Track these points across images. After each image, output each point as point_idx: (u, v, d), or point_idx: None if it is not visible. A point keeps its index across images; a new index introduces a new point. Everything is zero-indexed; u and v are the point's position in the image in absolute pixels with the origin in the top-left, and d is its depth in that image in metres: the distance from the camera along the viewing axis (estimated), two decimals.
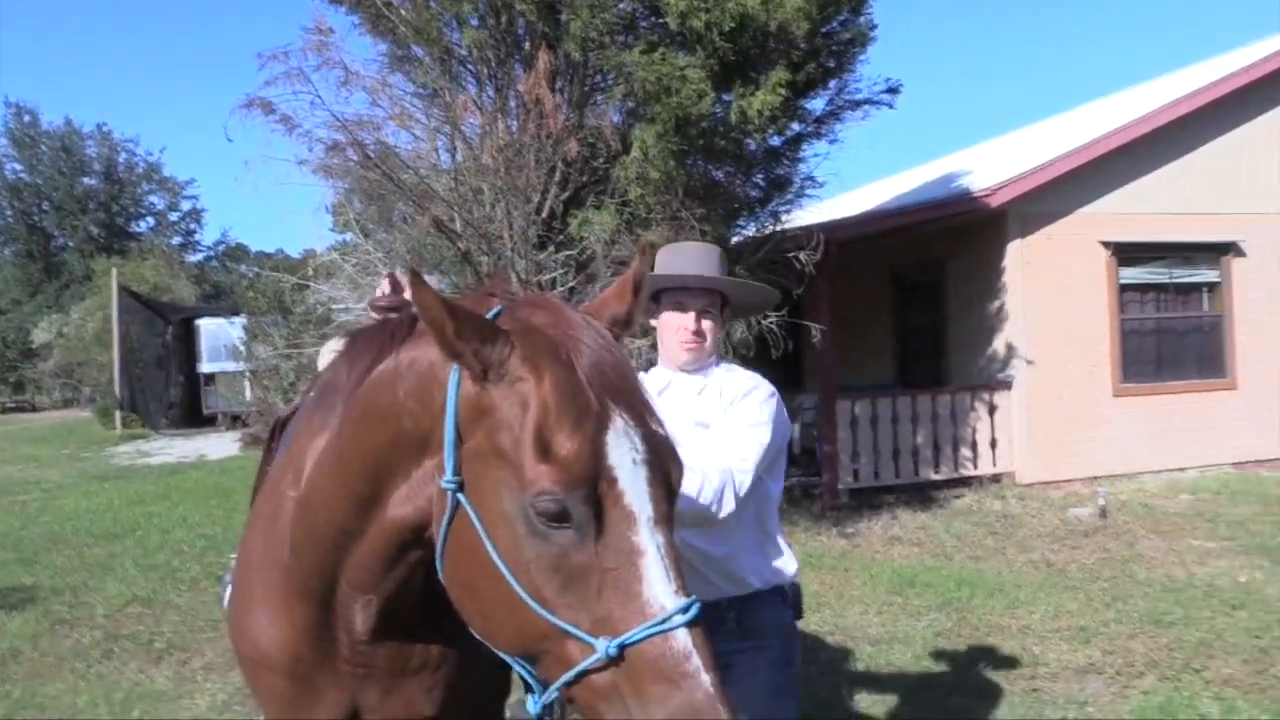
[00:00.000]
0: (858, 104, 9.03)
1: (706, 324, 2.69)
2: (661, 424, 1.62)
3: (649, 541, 1.49)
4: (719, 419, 2.62)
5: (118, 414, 25.70)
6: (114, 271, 28.03)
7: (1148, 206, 12.07)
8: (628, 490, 1.51)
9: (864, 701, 5.24)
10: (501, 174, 7.13)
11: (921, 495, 11.14)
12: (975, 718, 4.97)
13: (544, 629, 1.53)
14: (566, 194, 7.69)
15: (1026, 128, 18.06)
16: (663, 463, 1.57)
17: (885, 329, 14.33)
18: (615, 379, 1.56)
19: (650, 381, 2.72)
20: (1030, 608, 6.86)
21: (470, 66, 7.32)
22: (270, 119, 7.05)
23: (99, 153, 46.31)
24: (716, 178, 7.74)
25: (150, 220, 49.04)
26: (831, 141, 9.08)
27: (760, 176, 8.93)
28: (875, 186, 18.24)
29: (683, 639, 1.44)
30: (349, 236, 9.70)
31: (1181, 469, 12.13)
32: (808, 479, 11.98)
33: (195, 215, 49.53)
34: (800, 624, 6.30)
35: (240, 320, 23.85)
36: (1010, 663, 5.77)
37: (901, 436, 11.31)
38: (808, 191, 9.21)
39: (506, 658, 1.68)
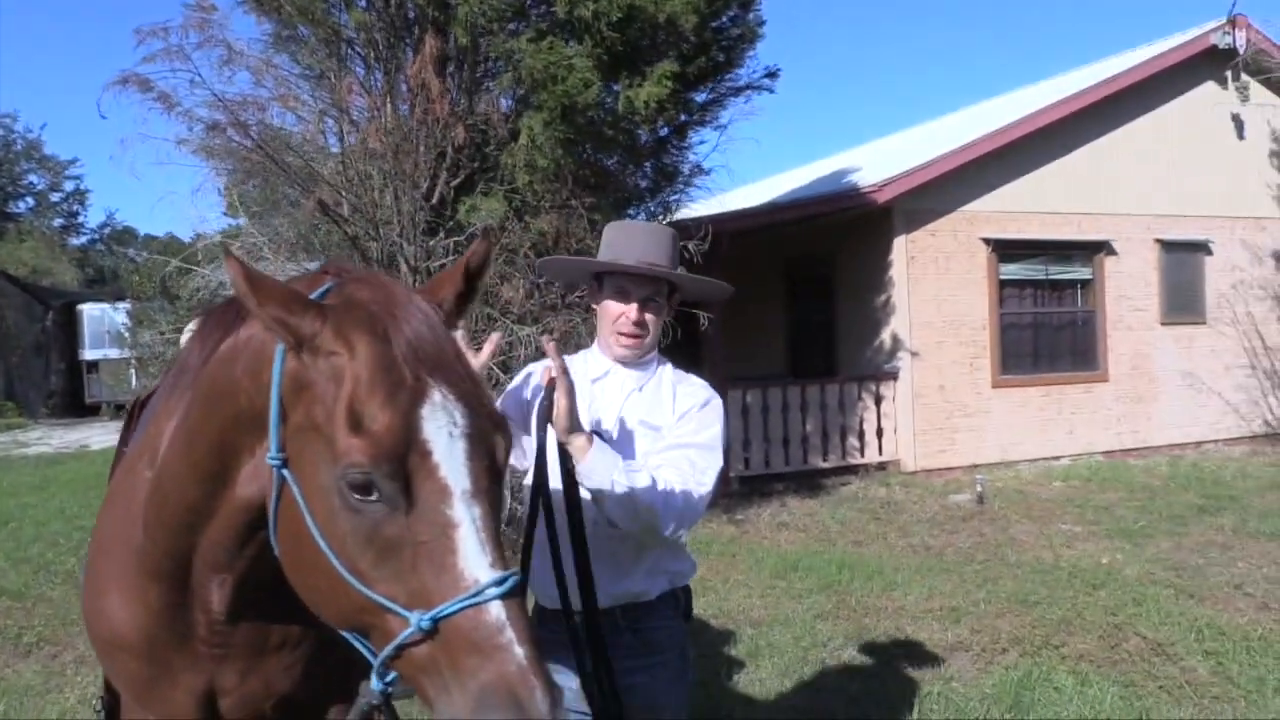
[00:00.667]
0: (739, 90, 9.15)
1: (649, 316, 2.48)
2: (488, 400, 1.63)
3: (464, 514, 1.49)
4: (670, 424, 2.46)
5: None
6: None
7: (1026, 205, 12.56)
8: (443, 463, 1.51)
9: (741, 681, 5.37)
10: (389, 159, 7.05)
11: (811, 483, 11.39)
12: (846, 692, 5.14)
13: (362, 602, 1.54)
14: (458, 180, 7.63)
15: (915, 127, 18.57)
16: (486, 437, 1.57)
17: (778, 320, 14.61)
18: (435, 354, 1.56)
19: (587, 366, 2.58)
20: (906, 590, 7.10)
21: (358, 49, 7.21)
22: (148, 96, 6.84)
23: None
24: (607, 166, 7.78)
25: (30, 201, 46.83)
26: (717, 129, 9.22)
27: (649, 166, 9.01)
28: (772, 181, 18.53)
29: (495, 611, 1.45)
30: (242, 220, 9.46)
31: (1056, 457, 12.68)
32: None
33: (79, 196, 47.55)
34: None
35: (125, 306, 23.01)
36: (884, 641, 5.98)
37: (792, 425, 11.55)
38: (695, 181, 9.34)
39: (343, 633, 1.70)
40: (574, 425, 2.18)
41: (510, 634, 1.44)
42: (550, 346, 2.24)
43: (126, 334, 21.94)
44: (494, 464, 1.59)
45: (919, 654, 5.73)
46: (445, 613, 1.46)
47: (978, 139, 12.16)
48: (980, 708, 4.91)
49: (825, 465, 11.73)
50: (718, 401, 2.53)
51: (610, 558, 2.35)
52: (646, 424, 2.46)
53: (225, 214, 9.95)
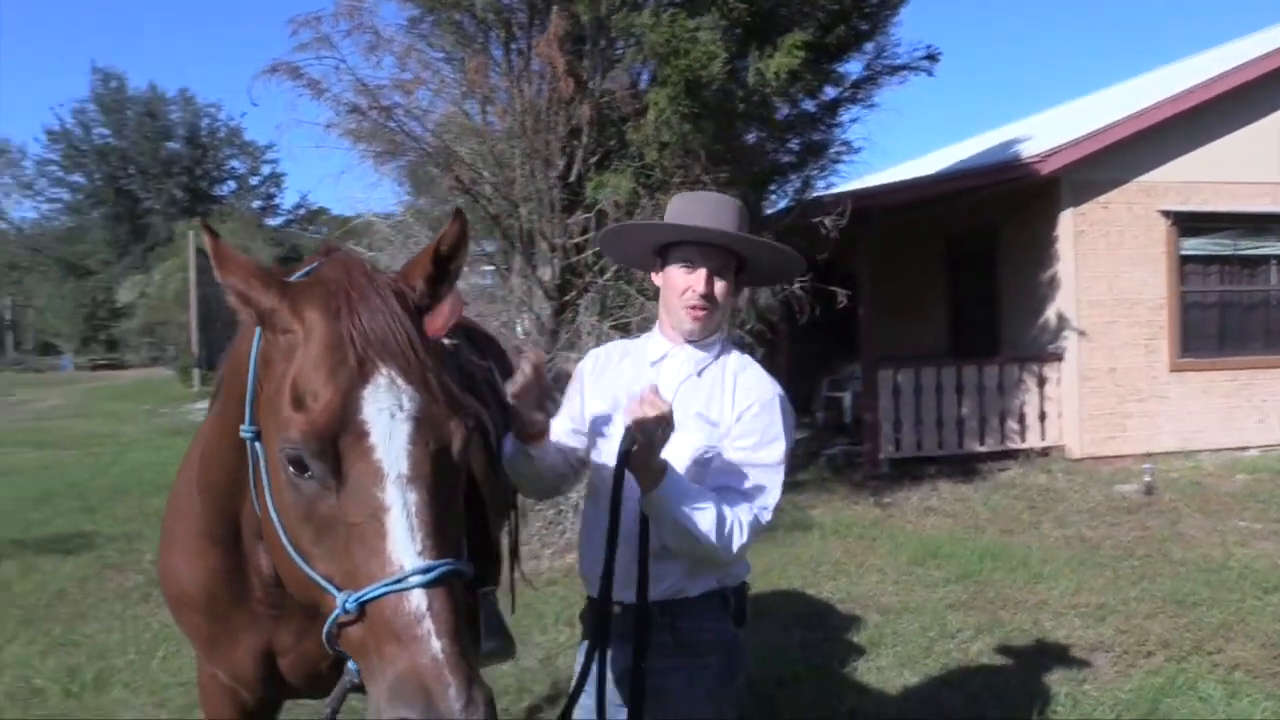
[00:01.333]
0: (895, 69, 8.83)
1: (719, 287, 2.32)
2: (444, 385, 1.59)
3: (396, 499, 1.48)
4: (728, 421, 2.29)
5: (195, 372, 26.59)
6: (191, 234, 28.87)
7: (1212, 175, 11.59)
8: (379, 446, 1.50)
9: (860, 668, 5.21)
10: (524, 138, 7.16)
11: (965, 467, 10.95)
12: (967, 688, 4.92)
13: (305, 578, 1.56)
14: (595, 158, 7.67)
15: (1087, 96, 17.45)
16: (437, 423, 1.55)
17: (938, 298, 14.06)
18: (386, 337, 1.55)
19: (645, 349, 2.46)
20: (1052, 583, 6.73)
21: (493, 30, 7.32)
22: (298, 84, 7.18)
23: (183, 118, 47.50)
24: (744, 141, 7.63)
25: (232, 184, 50.20)
26: (868, 107, 8.91)
27: (795, 141, 8.81)
28: (932, 157, 17.84)
29: (416, 600, 1.42)
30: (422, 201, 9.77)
31: (1243, 448, 11.72)
32: (853, 448, 11.88)
33: (275, 179, 50.55)
34: (812, 592, 6.33)
35: None
36: (1017, 636, 5.68)
37: (946, 407, 11.13)
38: (844, 157, 9.07)
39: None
40: (655, 459, 2.08)
41: (429, 625, 1.41)
42: (529, 358, 2.17)
43: None
44: (443, 450, 1.56)
45: (1053, 652, 5.42)
46: (367, 596, 1.45)
47: (1158, 103, 11.30)
48: (1111, 713, 4.60)
49: (981, 449, 11.24)
50: (780, 400, 2.33)
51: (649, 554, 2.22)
52: (704, 417, 2.29)
53: (409, 194, 10.14)
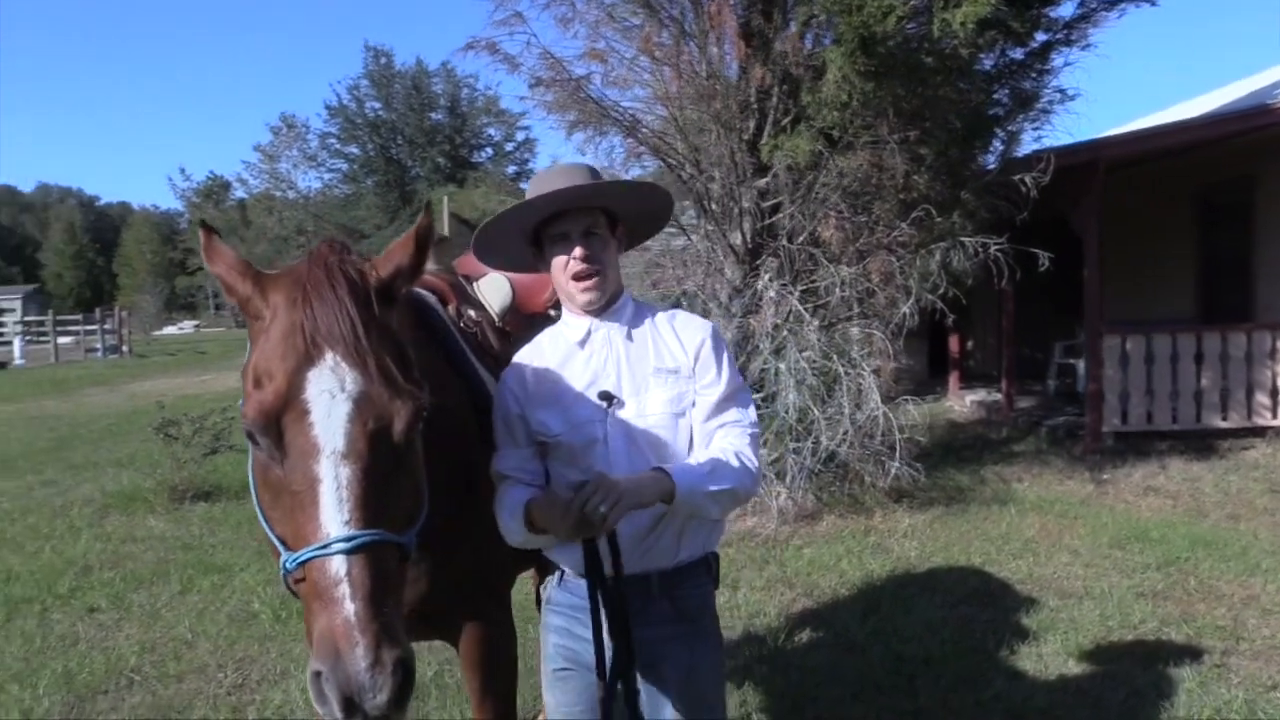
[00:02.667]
0: (1112, 2, 8.04)
1: (597, 245, 2.30)
2: (388, 370, 1.70)
3: (329, 471, 1.61)
4: (687, 365, 2.30)
5: None
6: (445, 199, 30.73)
7: None
8: (318, 423, 1.63)
9: (1019, 654, 4.94)
10: (704, 103, 7.15)
11: (1201, 444, 10.01)
12: (1131, 683, 4.56)
13: (269, 538, 1.74)
14: (787, 120, 7.54)
15: None
16: (378, 404, 1.67)
17: (1184, 258, 12.80)
18: (334, 325, 1.68)
19: (565, 334, 2.41)
20: (1270, 578, 6.08)
21: None
22: (495, 59, 7.51)
23: (444, 89, 50.45)
24: (938, 96, 7.23)
25: (489, 151, 52.88)
26: (1084, 48, 8.19)
27: (1002, 92, 8.27)
28: (1173, 109, 16.13)
29: (336, 565, 1.55)
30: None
31: None
32: (1077, 419, 11.13)
33: (529, 145, 52.80)
34: (992, 570, 6.07)
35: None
36: (1208, 633, 5.20)
37: (1182, 377, 10.18)
38: (1056, 106, 8.40)
39: None
40: (642, 495, 2.08)
41: (346, 588, 1.53)
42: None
43: None
44: (383, 429, 1.67)
45: (1245, 653, 4.92)
46: (300, 559, 1.59)
47: None
48: None
49: (1223, 425, 10.22)
50: (715, 326, 2.44)
51: (643, 525, 2.24)
52: (662, 369, 2.29)
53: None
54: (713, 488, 2.15)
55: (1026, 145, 8.88)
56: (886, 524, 7.53)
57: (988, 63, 8.09)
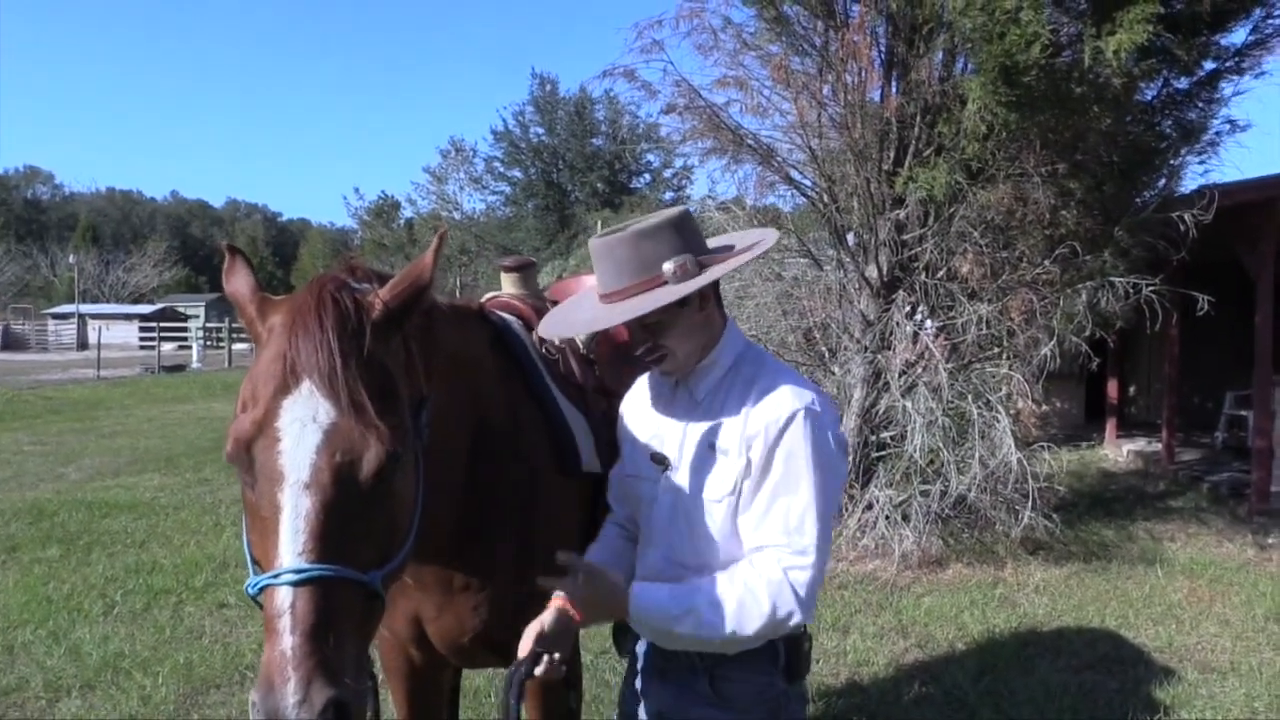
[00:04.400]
0: None
1: (655, 332, 2.00)
2: (361, 405, 1.65)
3: (291, 501, 1.59)
4: (738, 448, 1.96)
5: None
6: (599, 222, 31.22)
7: None
8: (287, 452, 1.61)
9: None
10: (845, 131, 6.99)
11: None
12: None
13: (247, 559, 1.73)
14: (928, 151, 7.31)
15: None
16: (349, 438, 1.63)
17: None
18: (316, 355, 1.66)
19: (645, 388, 2.25)
20: None
21: (801, 25, 7.19)
22: (633, 86, 7.57)
23: (605, 116, 51.38)
24: (1099, 128, 6.85)
25: (646, 177, 53.50)
26: (1257, 76, 7.61)
27: (1166, 123, 7.77)
28: None
29: (280, 597, 1.52)
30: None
31: None
32: (1243, 475, 10.32)
33: (686, 172, 53.09)
34: (1127, 635, 5.66)
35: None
36: None
37: None
38: (1225, 139, 7.84)
39: None
40: (598, 610, 1.96)
41: (287, 621, 1.51)
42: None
43: None
44: (352, 463, 1.63)
45: None
46: (254, 586, 1.59)
47: None
48: None
49: None
50: (807, 415, 1.92)
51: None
52: (716, 448, 1.99)
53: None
54: (680, 630, 1.88)
55: (1191, 180, 8.34)
56: (1017, 577, 7.13)
57: (1149, 93, 7.63)
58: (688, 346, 2.02)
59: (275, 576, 1.55)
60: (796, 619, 1.87)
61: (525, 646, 1.97)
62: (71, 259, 66.82)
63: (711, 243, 2.12)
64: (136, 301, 64.76)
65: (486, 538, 2.41)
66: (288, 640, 1.50)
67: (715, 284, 2.05)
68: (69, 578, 6.86)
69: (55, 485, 10.56)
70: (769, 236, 2.12)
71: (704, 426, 2.03)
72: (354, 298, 1.77)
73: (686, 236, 1.98)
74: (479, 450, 2.37)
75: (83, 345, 50.79)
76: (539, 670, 1.96)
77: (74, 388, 24.69)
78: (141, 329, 49.29)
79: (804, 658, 2.07)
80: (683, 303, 1.96)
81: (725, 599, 1.87)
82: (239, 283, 1.87)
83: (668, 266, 1.93)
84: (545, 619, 2.01)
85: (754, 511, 1.94)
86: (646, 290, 1.94)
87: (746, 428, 1.95)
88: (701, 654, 2.00)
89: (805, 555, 1.88)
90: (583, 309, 2.15)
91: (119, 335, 49.50)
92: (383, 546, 1.71)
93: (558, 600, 2.01)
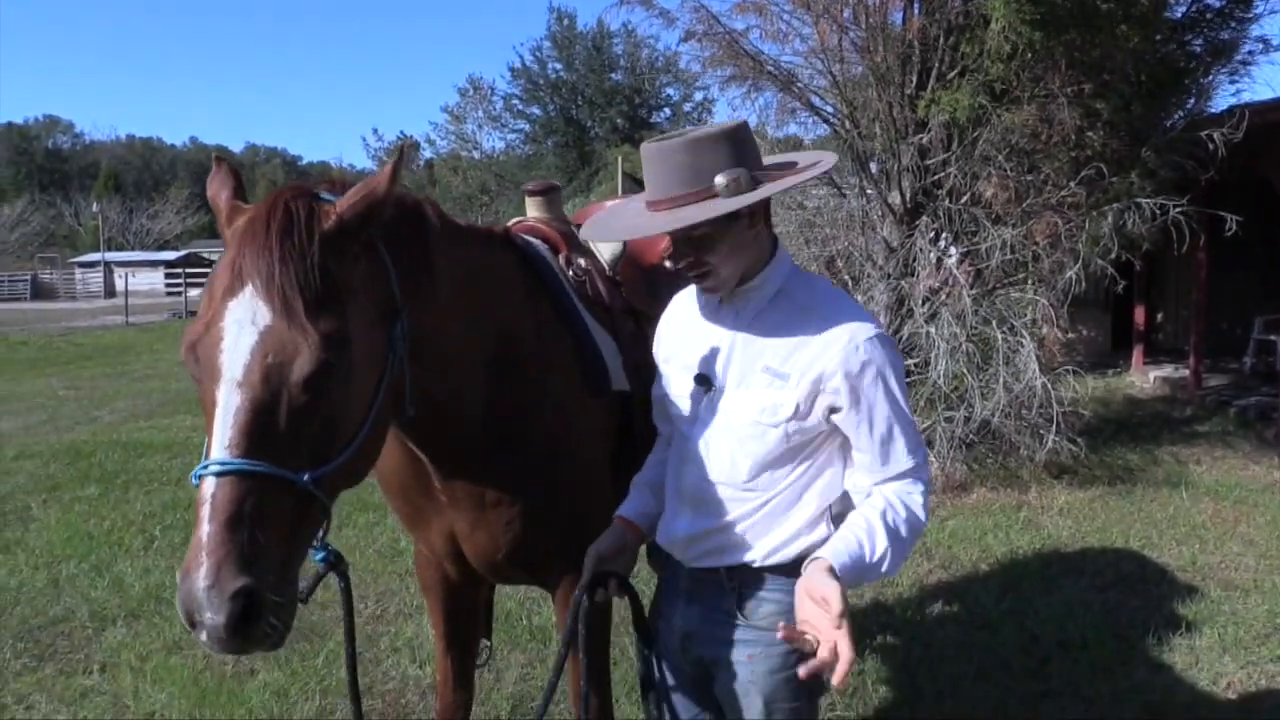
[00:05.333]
0: None
1: (700, 247, 1.94)
2: (290, 312, 1.69)
3: (225, 397, 1.66)
4: (802, 375, 1.91)
5: None
6: (620, 159, 30.98)
7: None
8: (227, 351, 1.69)
9: (1167, 644, 4.62)
10: (866, 55, 6.89)
11: None
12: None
13: None
14: (953, 74, 7.19)
15: None
16: (282, 338, 1.69)
17: None
18: (259, 260, 1.72)
19: (687, 305, 2.21)
20: None
21: None
22: (651, 14, 7.47)
23: (624, 49, 50.69)
24: (1126, 46, 6.70)
25: (667, 111, 52.88)
26: None
27: (1197, 42, 7.60)
28: None
29: (205, 487, 1.60)
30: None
31: None
32: (1270, 399, 10.26)
33: (707, 106, 52.44)
34: (1151, 555, 5.70)
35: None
36: None
37: None
38: (1257, 58, 7.67)
39: None
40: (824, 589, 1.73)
41: (207, 510, 1.58)
42: None
43: None
44: (282, 364, 1.68)
45: None
46: (194, 475, 1.66)
47: None
48: None
49: None
50: (880, 342, 1.91)
51: (722, 516, 2.02)
52: (772, 371, 1.94)
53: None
54: (882, 570, 1.85)
55: (1222, 100, 8.18)
56: (1041, 500, 7.17)
57: (1179, 10, 7.47)
58: (732, 264, 1.96)
59: (204, 468, 1.62)
60: (919, 533, 1.92)
61: (586, 570, 2.05)
62: (95, 207, 67.23)
63: (768, 160, 2.02)
64: (161, 248, 65.05)
65: (514, 453, 2.45)
66: (205, 528, 1.57)
67: (766, 203, 2.00)
68: (109, 514, 7.03)
69: (90, 427, 10.76)
70: (827, 158, 2.06)
71: (755, 348, 1.98)
72: (309, 206, 1.81)
73: (743, 150, 1.92)
74: (502, 367, 2.41)
75: (110, 293, 51.32)
76: (599, 597, 2.06)
77: (104, 334, 25.02)
78: (167, 275, 49.60)
79: None
80: (732, 218, 1.89)
81: (898, 527, 1.87)
82: (216, 188, 1.94)
83: (720, 180, 1.85)
84: (603, 542, 2.08)
85: (873, 441, 1.92)
86: (696, 201, 1.88)
87: (817, 358, 1.91)
88: (730, 573, 2.02)
89: (923, 469, 1.95)
90: (626, 215, 2.10)
91: (145, 282, 49.93)
92: (317, 448, 1.73)
93: (618, 520, 2.10)
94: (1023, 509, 6.96)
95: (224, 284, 1.75)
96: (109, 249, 62.65)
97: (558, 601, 2.71)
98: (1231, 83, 7.98)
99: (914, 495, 1.91)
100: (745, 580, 2.02)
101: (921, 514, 1.90)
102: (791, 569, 1.92)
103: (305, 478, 1.68)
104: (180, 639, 4.73)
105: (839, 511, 1.99)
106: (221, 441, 1.64)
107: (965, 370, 7.12)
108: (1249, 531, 6.47)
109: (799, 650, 1.72)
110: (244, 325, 1.70)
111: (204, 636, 1.56)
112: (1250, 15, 7.63)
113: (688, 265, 1.97)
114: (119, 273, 50.94)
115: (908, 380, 7.18)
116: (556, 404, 2.52)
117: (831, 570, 1.73)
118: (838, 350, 1.89)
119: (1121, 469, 8.02)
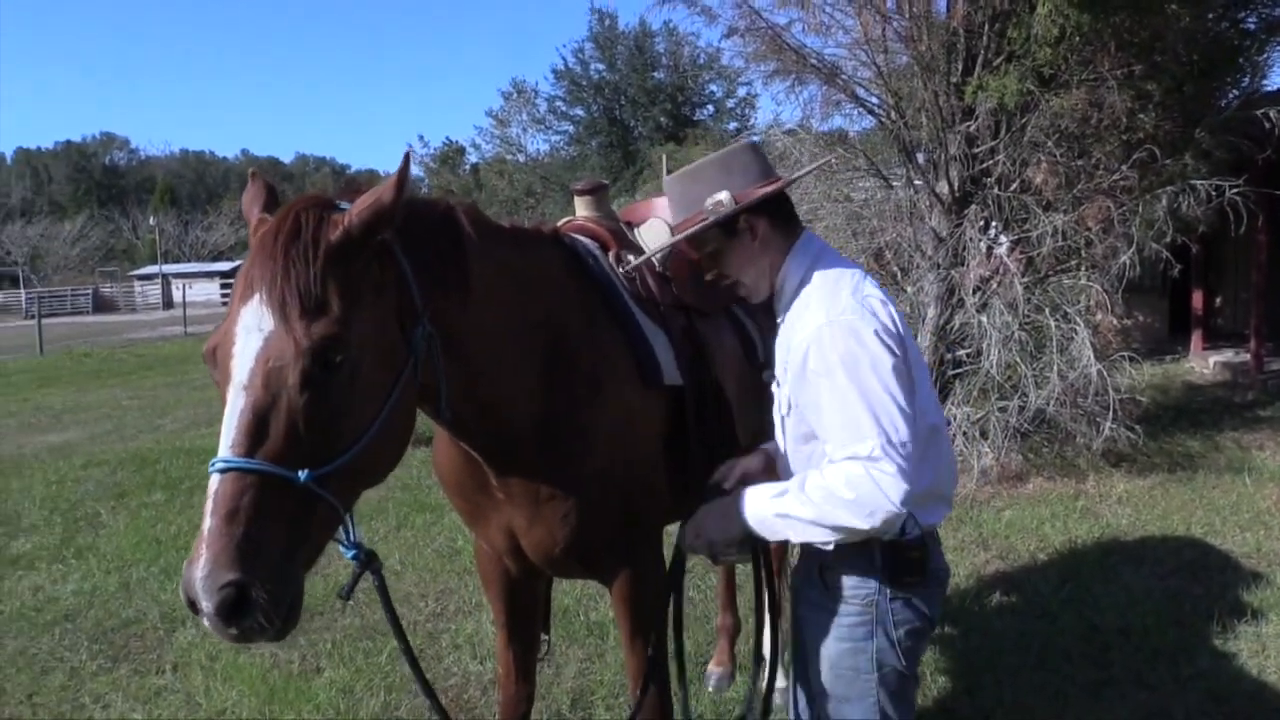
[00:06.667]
0: None
1: (720, 262, 2.24)
2: (286, 317, 1.78)
3: (232, 400, 1.76)
4: (781, 371, 2.22)
5: None
6: (663, 157, 31.05)
7: None
8: (237, 356, 1.78)
9: (1232, 631, 4.54)
10: (911, 44, 6.85)
11: None
12: None
13: None
14: (999, 58, 7.11)
15: None
16: (282, 343, 1.77)
17: None
18: (267, 268, 1.82)
19: None
20: None
21: None
22: (693, 11, 7.49)
23: (666, 48, 50.65)
24: (1177, 26, 6.59)
25: (710, 108, 52.74)
26: None
27: (1251, 19, 7.45)
28: None
29: (212, 482, 1.70)
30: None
31: None
32: None
33: (749, 101, 52.24)
34: (1214, 541, 5.61)
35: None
36: None
37: None
38: None
39: None
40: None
41: (210, 504, 1.67)
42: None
43: None
44: (281, 368, 1.76)
45: None
46: (209, 471, 1.74)
47: None
48: None
49: None
50: (826, 330, 2.02)
51: None
52: (774, 377, 2.30)
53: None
54: (777, 514, 2.04)
55: (1278, 77, 8.01)
56: (1099, 489, 7.08)
57: None
58: (750, 273, 2.22)
59: (211, 465, 1.72)
60: (884, 514, 1.90)
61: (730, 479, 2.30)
62: (152, 221, 68.69)
63: (782, 173, 2.31)
64: (216, 259, 66.40)
65: (568, 449, 2.49)
66: (207, 521, 1.66)
67: (772, 211, 2.20)
68: (175, 519, 7.22)
69: (154, 435, 11.05)
70: (816, 163, 2.45)
71: (782, 345, 2.23)
72: (319, 216, 1.89)
73: (732, 173, 2.18)
74: (554, 365, 2.45)
75: (168, 304, 52.43)
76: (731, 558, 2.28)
77: (164, 345, 25.59)
78: (223, 285, 50.61)
79: (909, 564, 2.13)
80: (731, 234, 2.18)
81: (811, 491, 1.98)
82: (249, 203, 2.04)
83: (707, 204, 2.16)
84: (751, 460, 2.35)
85: (824, 427, 2.03)
86: (693, 224, 2.19)
87: (788, 355, 2.16)
88: (820, 553, 2.16)
89: (882, 452, 1.92)
90: (660, 238, 2.60)
91: (202, 293, 50.94)
92: (319, 448, 1.78)
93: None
94: (1080, 498, 6.88)
95: (239, 291, 1.85)
96: (166, 261, 64.04)
97: (614, 596, 2.75)
98: None
99: (856, 472, 1.92)
100: (825, 566, 2.19)
101: (855, 492, 1.91)
102: (860, 554, 2.11)
103: (303, 476, 1.74)
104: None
105: None
106: (226, 441, 1.73)
107: (1018, 359, 7.05)
108: None
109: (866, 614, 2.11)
110: (251, 331, 1.79)
111: (205, 622, 1.66)
112: None
113: (714, 278, 2.27)
114: (176, 284, 52.03)
115: (959, 371, 7.12)
116: (609, 399, 2.56)
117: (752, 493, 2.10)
118: (798, 345, 2.09)
119: (1182, 456, 7.88)
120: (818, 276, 2.17)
